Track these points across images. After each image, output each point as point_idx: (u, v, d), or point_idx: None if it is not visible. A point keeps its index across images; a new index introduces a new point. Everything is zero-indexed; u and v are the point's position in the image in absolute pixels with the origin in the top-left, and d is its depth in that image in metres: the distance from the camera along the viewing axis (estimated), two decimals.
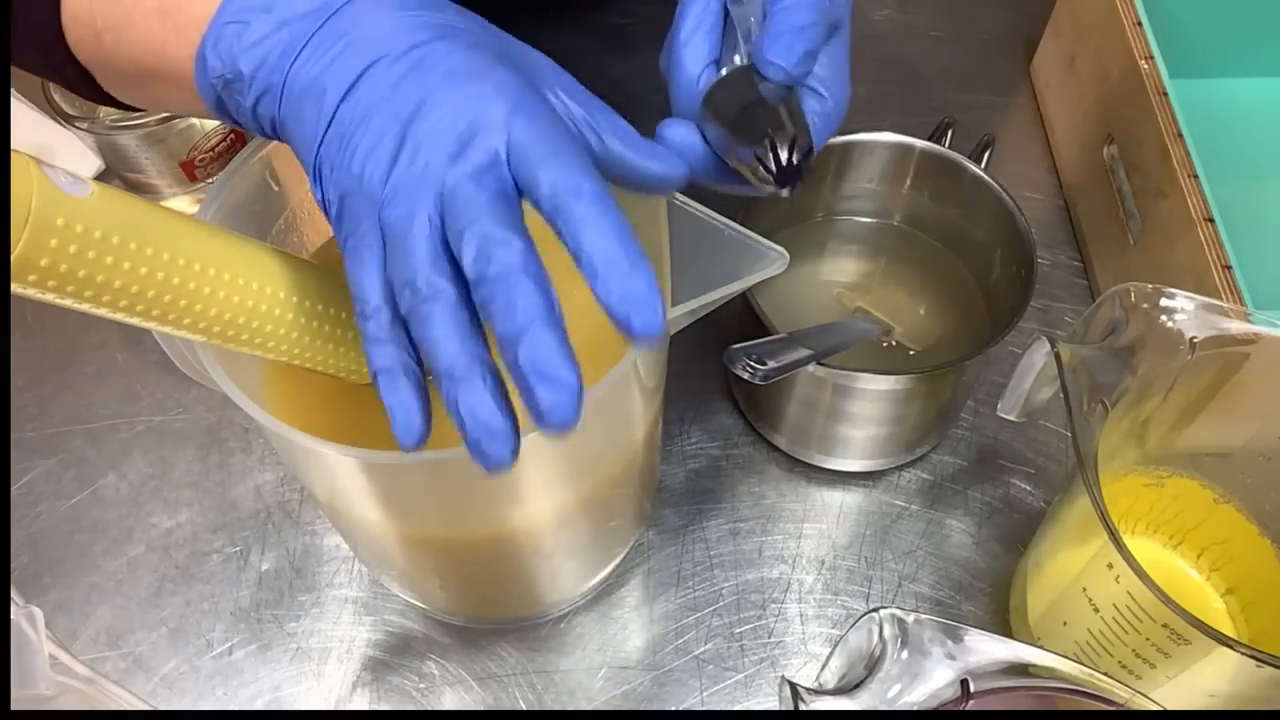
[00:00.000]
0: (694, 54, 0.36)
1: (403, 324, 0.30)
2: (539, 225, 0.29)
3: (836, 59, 0.36)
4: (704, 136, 0.35)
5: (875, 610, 0.33)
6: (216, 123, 0.60)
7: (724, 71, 0.36)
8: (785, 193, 0.33)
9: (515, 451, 0.28)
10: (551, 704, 0.49)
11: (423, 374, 0.30)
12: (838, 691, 0.33)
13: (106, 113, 0.61)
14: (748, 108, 0.33)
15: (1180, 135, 0.53)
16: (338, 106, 0.30)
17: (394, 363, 0.30)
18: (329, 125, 0.31)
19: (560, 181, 0.28)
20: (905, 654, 0.32)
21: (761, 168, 0.32)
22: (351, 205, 0.30)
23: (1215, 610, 0.48)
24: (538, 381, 0.27)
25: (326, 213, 0.32)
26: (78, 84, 0.38)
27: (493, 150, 0.29)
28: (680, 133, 0.35)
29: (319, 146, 0.31)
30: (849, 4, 0.37)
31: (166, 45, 0.34)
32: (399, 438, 0.30)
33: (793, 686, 0.32)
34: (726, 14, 0.36)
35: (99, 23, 0.35)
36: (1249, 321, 0.41)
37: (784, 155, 0.32)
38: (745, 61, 0.35)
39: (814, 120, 0.35)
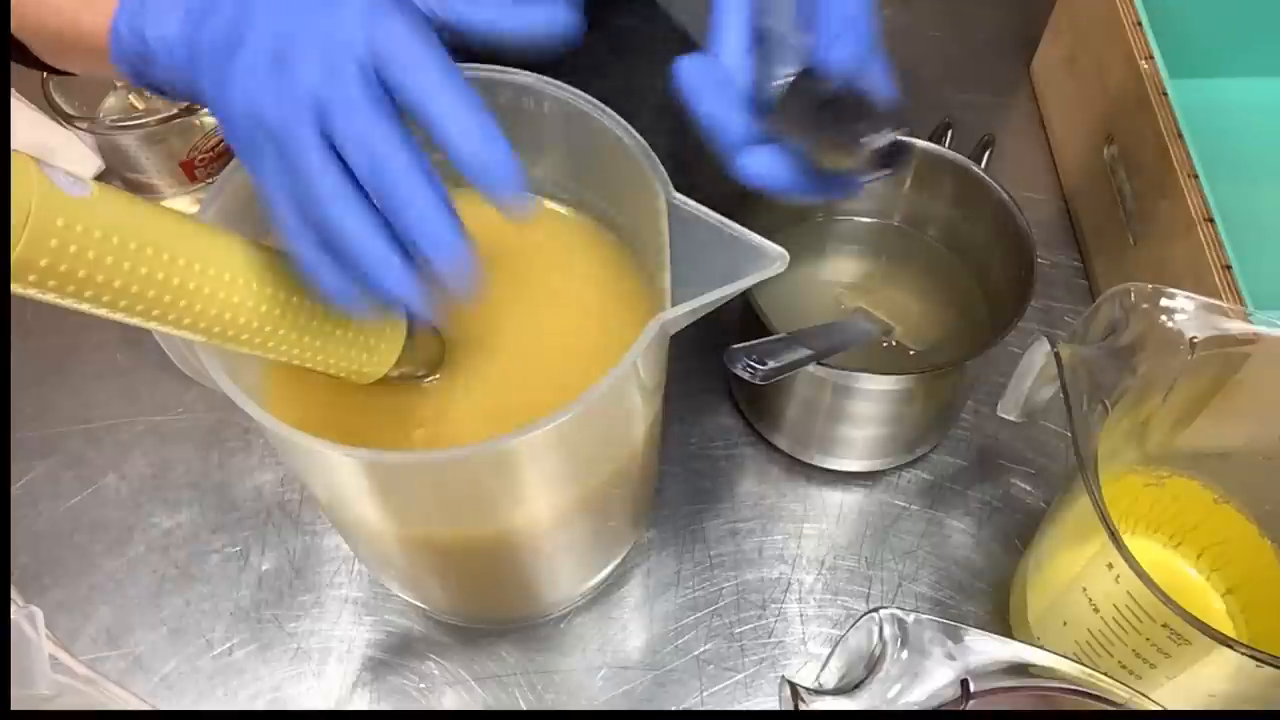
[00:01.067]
0: (744, 76, 0.36)
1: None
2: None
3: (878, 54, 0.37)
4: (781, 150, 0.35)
5: (875, 610, 0.33)
6: (217, 122, 0.60)
7: (780, 83, 0.35)
8: (891, 173, 0.33)
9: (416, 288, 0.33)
10: (551, 704, 0.49)
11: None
12: (838, 691, 0.33)
13: (106, 113, 0.61)
14: (826, 106, 0.34)
15: (1180, 135, 0.53)
16: (237, 53, 0.32)
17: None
18: (224, 70, 0.32)
19: (417, 84, 0.31)
20: (905, 654, 0.32)
21: (869, 155, 0.32)
22: (248, 137, 0.32)
23: (1215, 610, 0.48)
24: (431, 245, 0.32)
25: (237, 152, 0.34)
26: (17, 54, 0.39)
27: (354, 64, 0.31)
28: (762, 159, 0.35)
29: (221, 91, 0.32)
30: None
31: (80, 18, 0.35)
32: (398, 288, 0.33)
33: (793, 686, 0.32)
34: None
35: None
36: (1249, 321, 0.41)
37: (889, 134, 0.32)
38: (794, 69, 0.35)
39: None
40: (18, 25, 0.37)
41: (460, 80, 0.32)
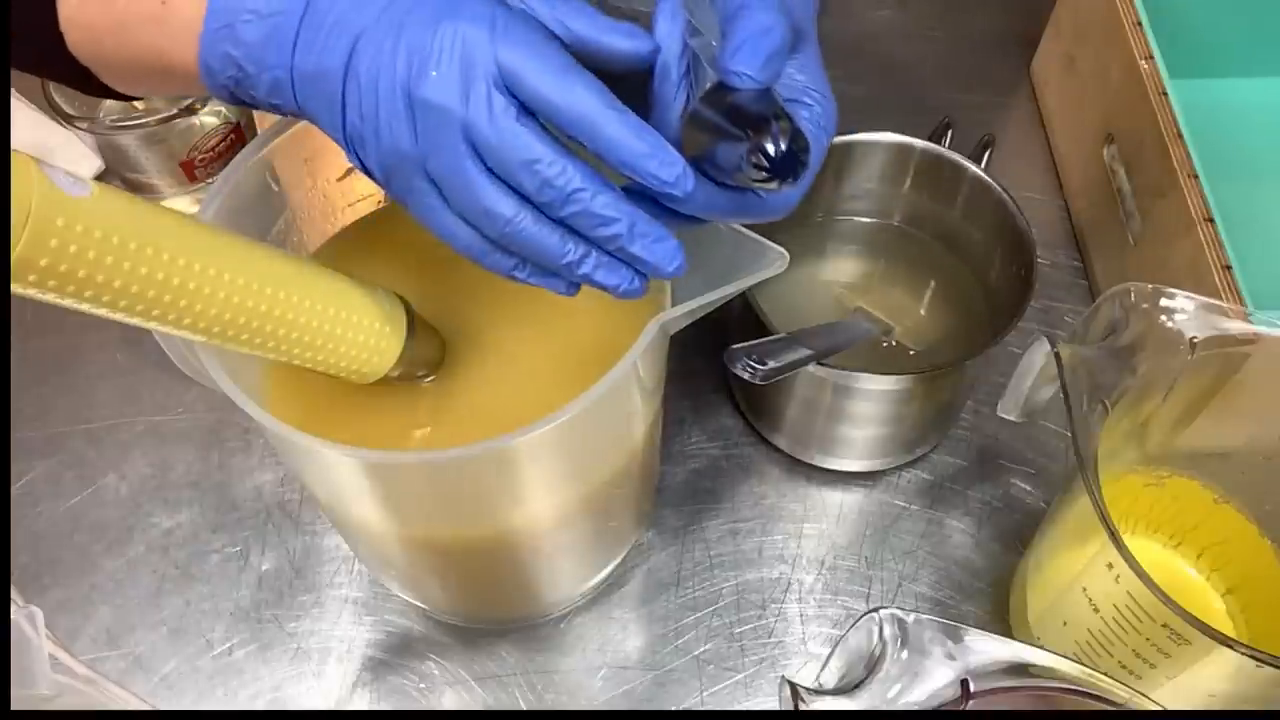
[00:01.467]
0: (675, 102, 0.35)
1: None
2: None
3: (810, 65, 0.36)
4: (699, 170, 0.34)
5: (875, 610, 0.33)
6: (217, 122, 0.60)
7: (694, 102, 0.35)
8: (789, 187, 0.32)
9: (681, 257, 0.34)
10: (551, 704, 0.49)
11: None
12: (838, 691, 0.33)
13: (106, 112, 0.61)
14: (727, 115, 0.32)
15: (1180, 135, 0.53)
16: (344, 88, 0.32)
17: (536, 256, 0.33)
18: (343, 108, 0.32)
19: (553, 97, 0.31)
20: (905, 654, 0.32)
21: (758, 165, 0.32)
22: (397, 170, 0.32)
23: (1215, 610, 0.48)
24: (652, 246, 0.33)
25: (373, 178, 0.34)
26: (81, 82, 0.38)
27: (489, 81, 0.31)
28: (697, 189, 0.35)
29: (343, 129, 0.33)
30: (811, 10, 0.37)
31: (165, 49, 0.34)
32: (665, 264, 0.33)
33: (793, 686, 0.32)
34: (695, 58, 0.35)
35: (97, 27, 0.35)
36: (1249, 321, 0.41)
37: (778, 143, 0.31)
38: (710, 84, 0.34)
39: (808, 128, 0.35)
40: (91, 57, 0.36)
41: (592, 88, 0.31)
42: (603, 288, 0.34)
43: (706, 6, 0.34)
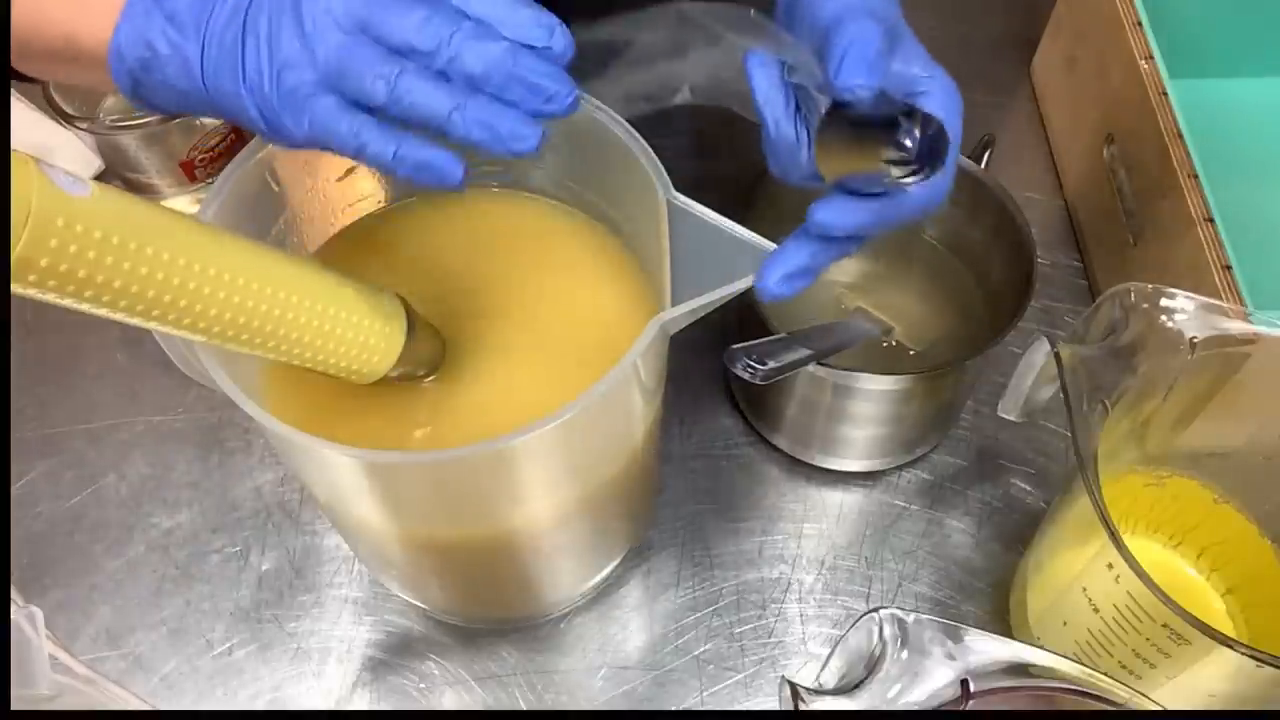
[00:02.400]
0: (800, 145, 0.35)
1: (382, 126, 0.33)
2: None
3: (914, 56, 0.36)
4: (846, 192, 0.35)
5: (875, 610, 0.33)
6: (217, 122, 0.60)
7: (814, 130, 0.35)
8: (940, 175, 0.32)
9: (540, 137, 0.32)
10: (551, 704, 0.49)
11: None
12: (838, 691, 0.33)
13: (106, 112, 0.61)
14: (857, 129, 0.33)
15: (1180, 135, 0.53)
16: (244, 19, 0.33)
17: (396, 139, 0.33)
18: (241, 46, 0.33)
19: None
20: (905, 654, 0.32)
21: (901, 161, 0.31)
22: (288, 79, 0.32)
23: (1215, 610, 0.48)
24: (536, 76, 0.32)
25: (274, 124, 0.33)
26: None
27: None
28: (831, 210, 0.35)
29: (243, 76, 0.33)
30: (896, 7, 0.37)
31: (76, 31, 0.35)
32: (449, 176, 0.33)
33: (793, 686, 0.32)
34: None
35: (13, 4, 0.35)
36: (1249, 321, 0.41)
37: (913, 135, 0.31)
38: (826, 108, 0.34)
39: (936, 112, 0.34)
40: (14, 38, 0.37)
41: None
42: (490, 137, 0.32)
43: (792, 43, 0.34)
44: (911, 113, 0.32)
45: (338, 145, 0.33)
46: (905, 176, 0.32)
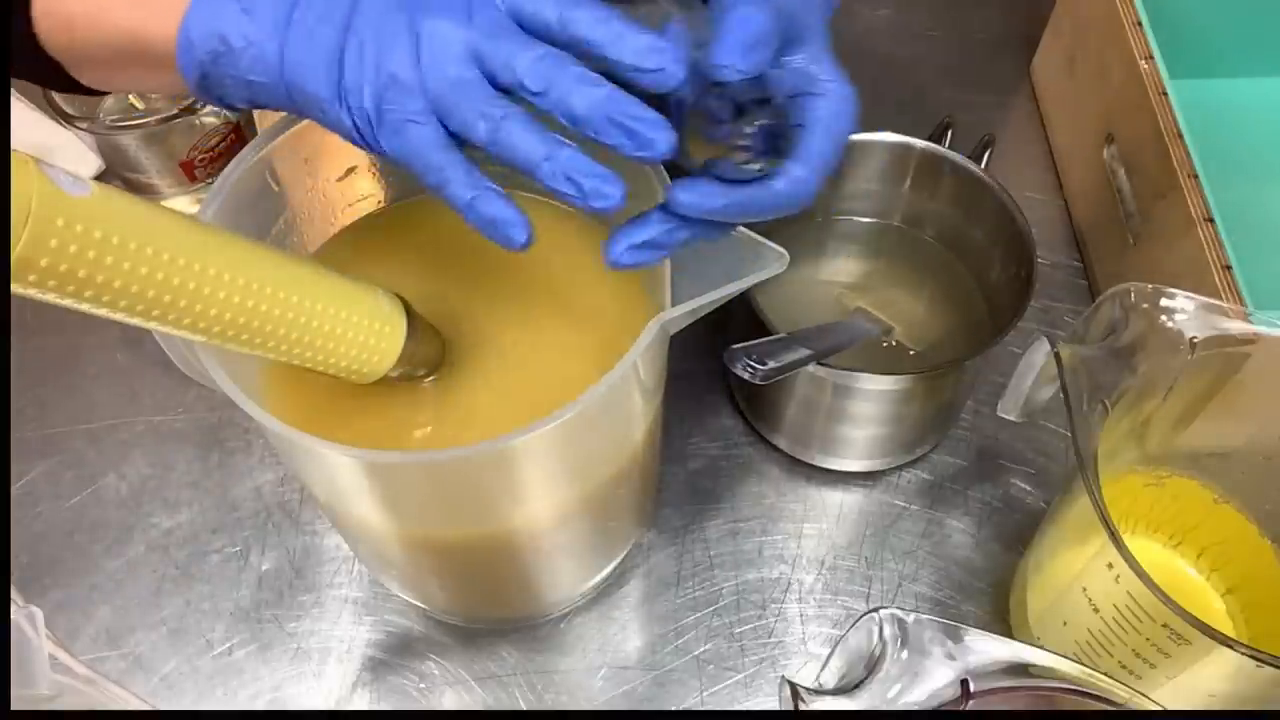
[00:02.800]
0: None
1: (476, 165, 0.34)
2: None
3: (819, 56, 0.35)
4: (713, 178, 0.34)
5: (875, 610, 0.33)
6: (217, 122, 0.60)
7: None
8: (803, 172, 0.31)
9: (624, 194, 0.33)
10: (551, 704, 0.49)
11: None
12: (838, 691, 0.33)
13: (106, 112, 0.61)
14: (716, 108, 0.33)
15: (1180, 135, 0.53)
16: (344, 36, 0.32)
17: (476, 187, 0.33)
18: (341, 59, 0.32)
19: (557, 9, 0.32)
20: (905, 654, 0.32)
21: (740, 147, 0.31)
22: (394, 100, 0.32)
23: (1215, 610, 0.48)
24: (633, 122, 0.32)
25: (366, 135, 0.33)
26: (46, 77, 0.38)
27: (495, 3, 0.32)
28: (688, 191, 0.34)
29: (340, 81, 0.32)
30: (815, 3, 0.36)
31: (143, 28, 0.34)
32: (513, 238, 0.33)
33: (793, 686, 0.32)
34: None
35: (73, 10, 0.35)
36: (1249, 321, 0.41)
37: (752, 120, 0.31)
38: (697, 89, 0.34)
39: (821, 118, 0.34)
40: (61, 46, 0.36)
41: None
42: (573, 191, 0.33)
43: (705, 20, 0.34)
44: (765, 101, 0.32)
45: (420, 172, 0.33)
46: (746, 164, 0.32)
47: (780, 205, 0.35)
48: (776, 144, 0.32)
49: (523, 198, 0.47)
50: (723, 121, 0.32)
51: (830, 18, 0.37)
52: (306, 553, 0.53)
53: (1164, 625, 0.38)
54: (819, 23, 0.36)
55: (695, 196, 0.34)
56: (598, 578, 0.51)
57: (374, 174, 0.47)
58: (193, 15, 0.33)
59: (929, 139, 0.55)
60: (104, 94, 0.41)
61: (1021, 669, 0.33)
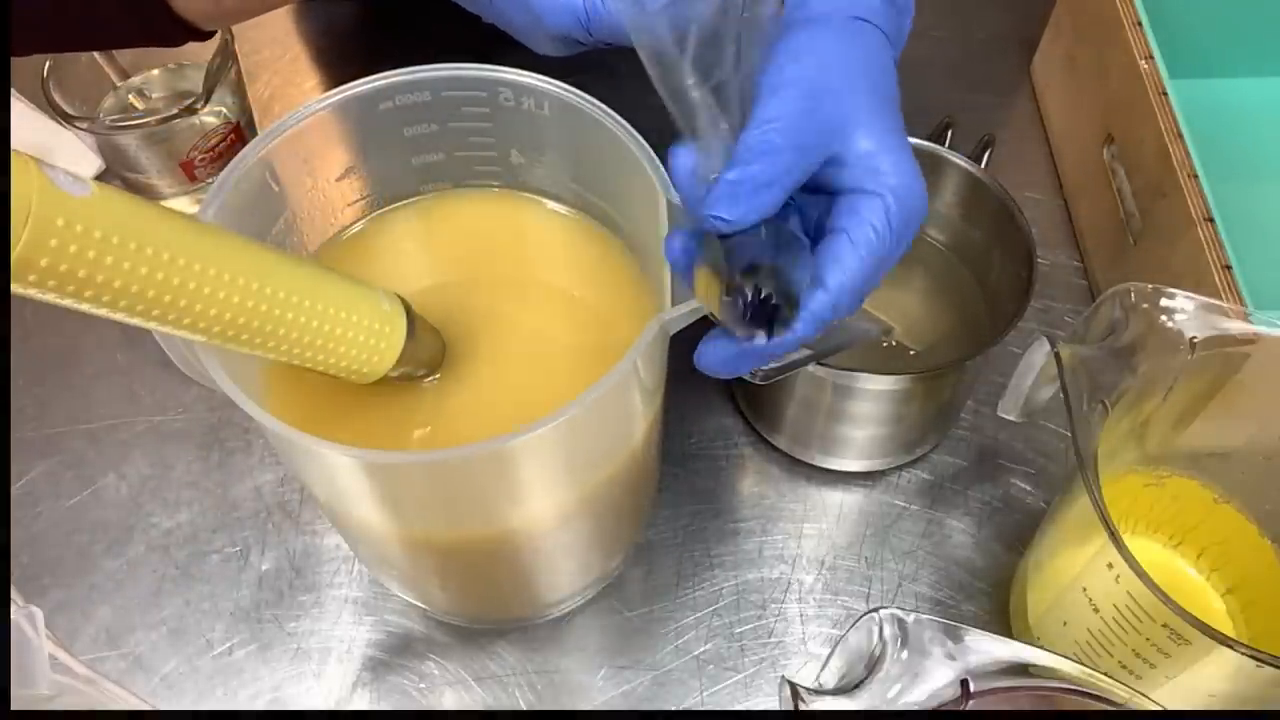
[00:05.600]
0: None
1: None
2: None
3: (886, 143, 0.31)
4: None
5: (875, 610, 0.33)
6: (216, 123, 0.60)
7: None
8: (780, 336, 0.29)
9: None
10: (551, 704, 0.49)
11: None
12: (838, 691, 0.33)
13: (106, 112, 0.61)
14: (719, 261, 0.29)
15: (1180, 135, 0.53)
16: None
17: None
18: None
19: None
20: (905, 654, 0.32)
21: (734, 319, 0.29)
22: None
23: (1215, 610, 0.48)
24: None
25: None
26: (164, 36, 0.43)
27: None
28: (706, 350, 0.33)
29: None
30: (876, 81, 0.31)
31: None
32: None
33: (793, 686, 0.32)
34: None
35: None
36: (1249, 321, 0.41)
37: (745, 294, 0.28)
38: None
39: (843, 253, 0.31)
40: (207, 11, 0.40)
41: None
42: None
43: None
44: (763, 265, 0.28)
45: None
46: (739, 329, 0.28)
47: (793, 347, 0.31)
48: (771, 316, 0.29)
49: (522, 196, 0.48)
50: (731, 264, 0.29)
51: (896, 96, 0.33)
52: (306, 553, 0.53)
53: (1164, 625, 0.38)
54: (883, 85, 0.32)
55: (712, 358, 0.33)
56: (597, 578, 0.51)
57: (373, 174, 0.47)
58: None
59: (929, 139, 0.55)
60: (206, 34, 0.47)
61: (1021, 669, 0.33)
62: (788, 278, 0.29)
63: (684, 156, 0.30)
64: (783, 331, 0.29)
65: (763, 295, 0.28)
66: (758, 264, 0.29)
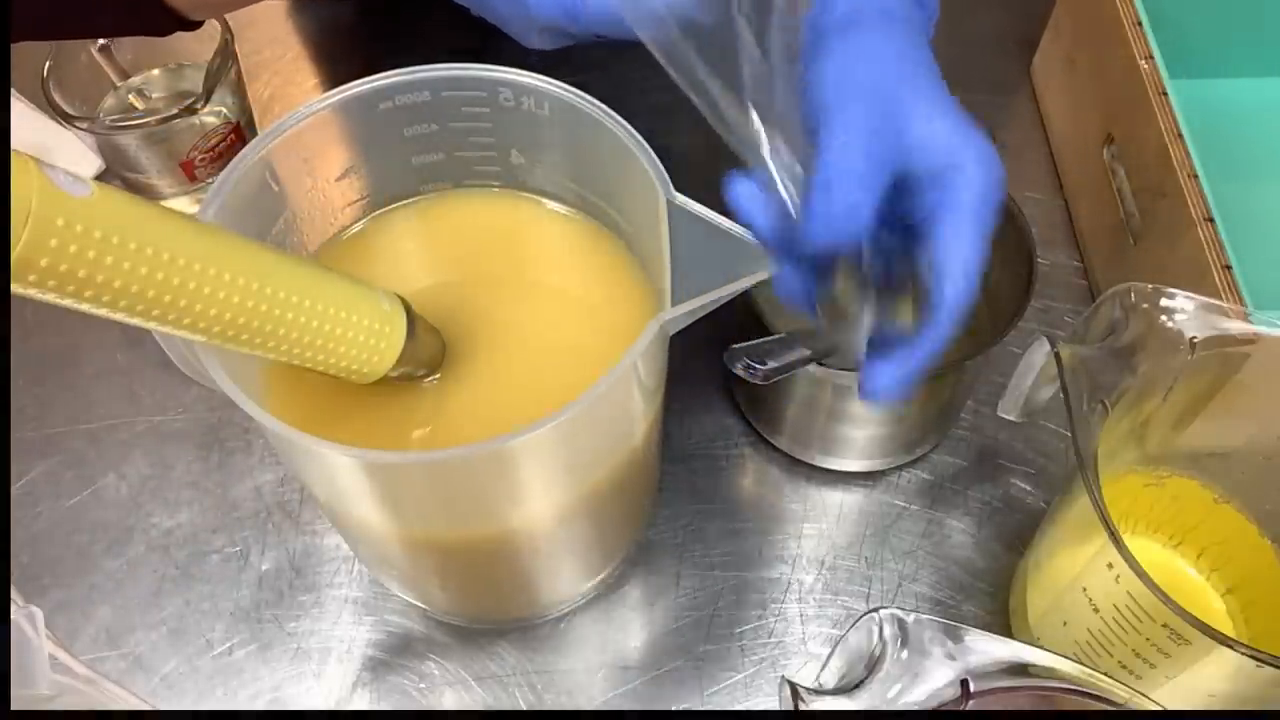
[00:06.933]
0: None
1: None
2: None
3: (931, 125, 0.33)
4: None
5: (875, 610, 0.33)
6: (216, 122, 0.60)
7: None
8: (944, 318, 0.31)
9: None
10: (551, 704, 0.49)
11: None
12: (838, 691, 0.33)
13: (106, 112, 0.61)
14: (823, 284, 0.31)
15: (1180, 135, 0.53)
16: None
17: None
18: None
19: None
20: (905, 654, 0.32)
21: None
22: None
23: (1215, 610, 0.48)
24: None
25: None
26: (154, 25, 0.42)
27: None
28: (871, 378, 0.34)
29: None
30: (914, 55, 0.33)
31: None
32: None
33: (793, 686, 0.32)
34: None
35: None
36: (1249, 321, 0.41)
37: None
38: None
39: (952, 204, 0.32)
40: None
41: None
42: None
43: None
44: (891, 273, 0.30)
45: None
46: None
47: (951, 327, 0.32)
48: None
49: (522, 196, 0.48)
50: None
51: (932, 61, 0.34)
52: (306, 553, 0.53)
53: (1164, 625, 0.38)
54: (927, 89, 0.33)
55: (880, 383, 0.33)
56: (597, 578, 0.51)
57: (373, 174, 0.47)
58: None
59: None
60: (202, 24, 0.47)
61: (1021, 669, 0.33)
62: (910, 270, 0.30)
63: (742, 185, 0.31)
64: (930, 322, 0.30)
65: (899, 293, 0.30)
66: (891, 270, 0.30)
